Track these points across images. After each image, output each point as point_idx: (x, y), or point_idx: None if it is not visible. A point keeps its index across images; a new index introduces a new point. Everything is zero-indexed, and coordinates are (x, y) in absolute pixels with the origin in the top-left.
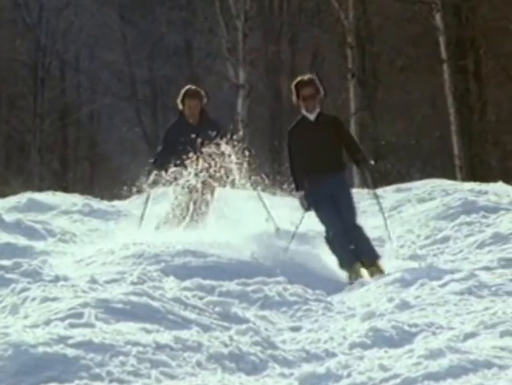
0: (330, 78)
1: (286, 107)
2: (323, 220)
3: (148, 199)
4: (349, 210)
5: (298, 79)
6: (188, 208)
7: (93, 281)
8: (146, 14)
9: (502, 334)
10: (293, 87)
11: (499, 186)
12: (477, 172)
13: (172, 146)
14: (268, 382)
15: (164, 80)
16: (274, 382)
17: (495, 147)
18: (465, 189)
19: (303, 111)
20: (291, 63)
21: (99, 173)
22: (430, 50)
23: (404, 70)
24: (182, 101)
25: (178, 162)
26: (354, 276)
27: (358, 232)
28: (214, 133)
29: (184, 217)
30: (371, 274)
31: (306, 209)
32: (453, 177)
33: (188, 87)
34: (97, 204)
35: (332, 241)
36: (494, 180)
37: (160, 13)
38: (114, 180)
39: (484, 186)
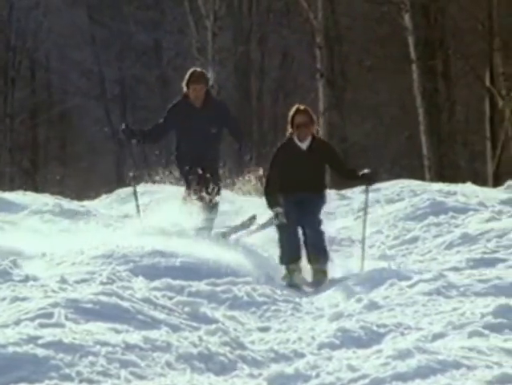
0: (299, 78)
1: (254, 106)
2: (282, 236)
3: (135, 192)
4: (313, 218)
5: (294, 108)
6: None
7: (63, 281)
8: (115, 13)
9: (470, 335)
10: (289, 116)
11: (468, 187)
12: (445, 173)
13: (174, 125)
14: (237, 383)
15: (134, 80)
16: (242, 382)
17: (464, 147)
18: (434, 190)
19: (295, 139)
20: (260, 63)
21: (70, 173)
22: (399, 51)
23: (372, 70)
24: (187, 84)
25: (182, 145)
26: (289, 278)
27: (315, 232)
28: (220, 115)
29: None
30: (314, 275)
31: (280, 224)
32: (421, 178)
33: (193, 69)
34: (68, 204)
35: (283, 229)
36: (463, 180)
37: (128, 12)
38: (84, 179)
39: (452, 187)
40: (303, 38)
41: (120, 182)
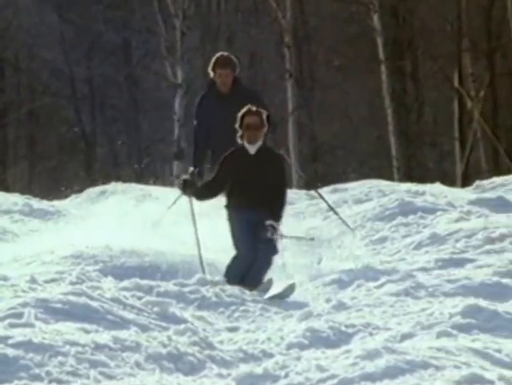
0: (267, 78)
1: None
2: (236, 243)
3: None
4: (267, 248)
5: (245, 108)
6: None
7: (33, 280)
8: (84, 12)
9: (439, 335)
10: (239, 116)
11: (436, 187)
12: (414, 173)
13: (207, 120)
14: (206, 383)
15: (103, 79)
16: (211, 382)
17: (432, 148)
18: (402, 190)
19: (244, 142)
20: None
21: (39, 172)
22: (367, 51)
23: (341, 70)
24: (213, 69)
25: (214, 138)
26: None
27: (264, 262)
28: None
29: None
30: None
31: (183, 193)
32: (390, 178)
33: (220, 54)
34: (37, 203)
35: (234, 263)
36: (431, 180)
37: (97, 11)
38: (54, 179)
39: (421, 187)
40: (272, 37)
41: (90, 182)
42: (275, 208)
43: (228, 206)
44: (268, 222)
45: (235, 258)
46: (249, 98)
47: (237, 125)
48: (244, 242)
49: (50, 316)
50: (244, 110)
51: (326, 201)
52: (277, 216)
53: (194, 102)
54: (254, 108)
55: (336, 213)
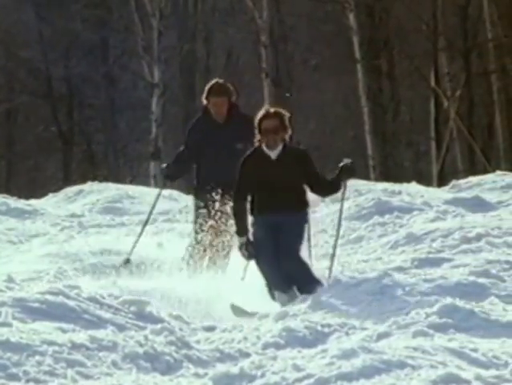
0: (244, 77)
1: (199, 106)
2: (262, 269)
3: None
4: (289, 256)
5: (262, 111)
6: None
7: (10, 280)
8: (62, 11)
9: (415, 335)
10: (256, 121)
11: (412, 186)
12: (390, 173)
13: (195, 147)
14: (182, 382)
15: (80, 78)
16: (188, 382)
17: (408, 147)
18: (379, 189)
19: (263, 147)
20: (206, 62)
21: (16, 172)
22: (343, 50)
23: (317, 69)
24: (207, 98)
25: (203, 169)
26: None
27: (297, 265)
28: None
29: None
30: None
31: (248, 258)
32: (366, 177)
33: (214, 81)
34: (14, 202)
35: (260, 261)
36: (408, 180)
37: (75, 10)
38: (31, 178)
39: (397, 186)
40: (248, 37)
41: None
42: (300, 206)
43: (253, 213)
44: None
45: (268, 287)
46: (244, 125)
47: (255, 130)
48: (263, 244)
49: (27, 315)
50: (261, 112)
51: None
52: (304, 214)
53: (172, 101)
54: (273, 110)
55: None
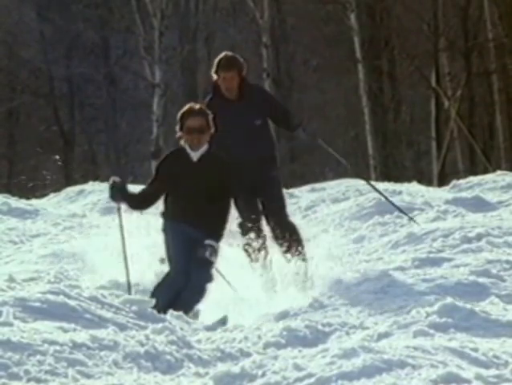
0: (245, 77)
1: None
2: (169, 259)
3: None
4: (200, 272)
5: (187, 107)
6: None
7: (11, 279)
8: (63, 11)
9: (416, 334)
10: (178, 117)
11: (413, 186)
12: (391, 172)
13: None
14: (183, 382)
15: (81, 78)
16: (189, 381)
17: (409, 147)
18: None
19: (186, 147)
20: (207, 62)
21: (17, 171)
22: (344, 50)
23: (318, 69)
24: (216, 72)
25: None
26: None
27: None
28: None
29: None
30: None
31: (112, 199)
32: (367, 177)
33: (223, 54)
34: (15, 202)
35: (163, 281)
36: (408, 180)
37: (76, 10)
38: (32, 178)
39: (398, 186)
40: (249, 37)
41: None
42: (217, 225)
43: (164, 216)
44: (208, 241)
45: (166, 276)
46: (258, 97)
47: (177, 127)
48: (177, 261)
49: (28, 315)
50: (184, 108)
51: (377, 190)
52: (218, 235)
53: (173, 101)
54: (198, 107)
55: (390, 202)
